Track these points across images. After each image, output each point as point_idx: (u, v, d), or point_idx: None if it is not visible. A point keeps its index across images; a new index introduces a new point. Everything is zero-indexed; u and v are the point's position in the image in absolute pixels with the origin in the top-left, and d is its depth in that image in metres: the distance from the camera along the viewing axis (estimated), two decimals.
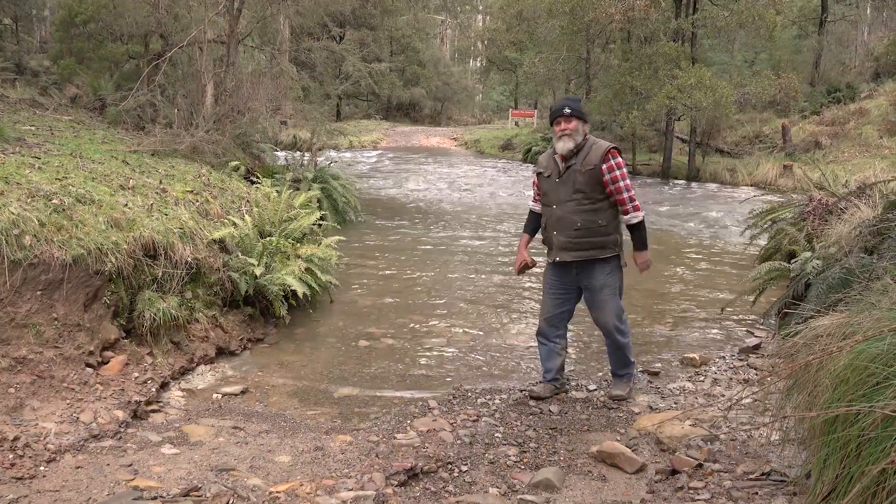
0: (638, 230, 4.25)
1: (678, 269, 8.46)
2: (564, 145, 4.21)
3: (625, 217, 4.22)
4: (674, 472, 3.35)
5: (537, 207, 4.53)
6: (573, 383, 4.71)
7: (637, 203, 4.19)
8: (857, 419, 2.17)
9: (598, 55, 21.19)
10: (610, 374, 4.62)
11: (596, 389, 4.57)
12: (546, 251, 4.44)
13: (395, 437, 3.77)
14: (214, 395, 4.48)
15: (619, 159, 4.18)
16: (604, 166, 4.12)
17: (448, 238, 10.25)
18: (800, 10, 27.01)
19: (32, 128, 7.82)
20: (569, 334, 5.86)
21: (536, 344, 4.61)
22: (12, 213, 3.90)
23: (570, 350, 5.44)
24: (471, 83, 44.10)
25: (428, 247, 9.52)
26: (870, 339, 2.37)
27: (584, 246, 4.19)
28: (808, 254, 5.86)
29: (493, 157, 24.50)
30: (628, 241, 4.33)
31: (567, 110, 4.19)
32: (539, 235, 4.55)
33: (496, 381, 4.82)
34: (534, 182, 4.58)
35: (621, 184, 4.13)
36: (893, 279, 3.38)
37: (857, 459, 2.13)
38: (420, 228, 10.98)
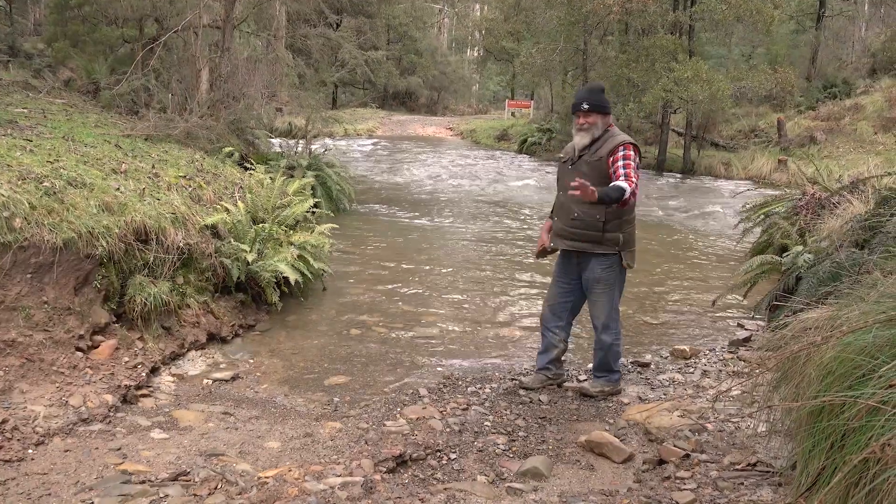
0: (614, 191, 3.82)
1: (670, 262, 8.48)
2: (581, 140, 4.16)
3: (616, 181, 3.92)
4: (661, 462, 3.37)
5: None
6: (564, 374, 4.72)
7: (633, 183, 3.88)
8: (842, 410, 2.18)
9: (596, 47, 21.10)
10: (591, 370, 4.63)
11: (586, 380, 4.58)
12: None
13: (384, 425, 3.78)
14: (205, 381, 4.48)
15: (630, 152, 4.01)
16: (611, 158, 4.04)
17: (442, 227, 10.25)
18: (798, 4, 26.98)
19: (25, 110, 7.76)
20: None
21: (539, 333, 4.59)
22: (2, 196, 3.88)
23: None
24: (468, 73, 43.93)
25: (421, 236, 9.52)
26: (856, 331, 2.38)
27: (579, 237, 4.15)
28: (800, 248, 5.88)
29: (488, 148, 24.47)
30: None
31: (585, 105, 4.10)
32: None
33: (487, 370, 4.83)
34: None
35: (621, 164, 3.94)
36: (883, 273, 3.39)
37: (841, 450, 2.15)
38: (414, 217, 10.97)
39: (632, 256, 4.23)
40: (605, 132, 4.15)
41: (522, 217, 11.55)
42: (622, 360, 4.56)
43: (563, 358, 4.51)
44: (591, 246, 4.14)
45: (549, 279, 7.34)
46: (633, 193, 3.93)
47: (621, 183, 3.88)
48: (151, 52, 9.91)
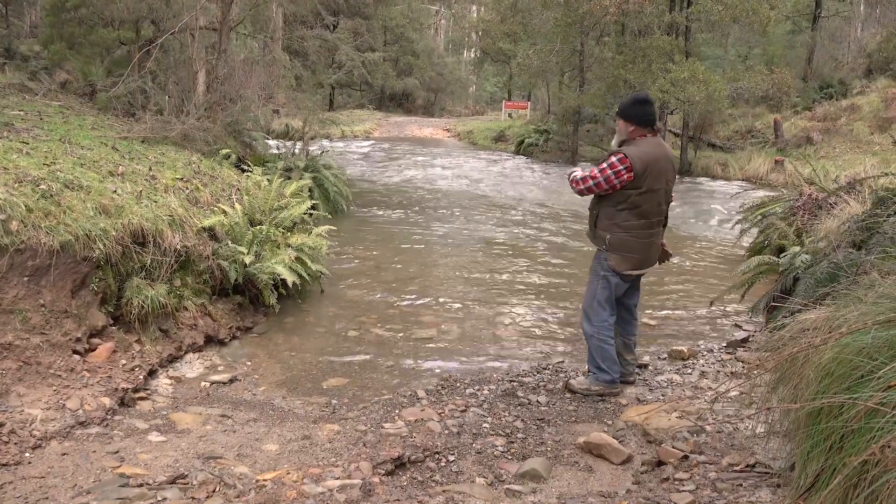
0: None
1: (668, 262, 8.47)
2: (612, 143, 4.44)
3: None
4: (660, 463, 3.37)
5: None
6: (562, 374, 4.72)
7: (589, 185, 4.14)
8: (840, 411, 2.18)
9: (593, 48, 21.10)
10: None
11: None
12: None
13: (383, 427, 3.77)
14: (203, 384, 4.47)
15: (614, 161, 4.06)
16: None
17: (439, 229, 10.24)
18: (793, 5, 27.00)
19: (21, 113, 7.74)
20: (566, 328, 5.87)
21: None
22: None
23: (560, 343, 5.47)
24: (464, 74, 43.91)
25: (419, 237, 9.51)
26: (855, 332, 2.38)
27: (590, 229, 4.41)
28: (797, 248, 5.88)
29: (486, 149, 24.44)
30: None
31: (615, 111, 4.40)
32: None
33: (485, 371, 4.83)
34: None
35: (596, 167, 4.17)
36: (880, 274, 3.39)
37: (839, 451, 2.15)
38: (411, 219, 10.96)
39: (619, 261, 4.21)
40: (632, 140, 4.20)
41: (520, 217, 11.55)
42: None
43: (627, 357, 4.50)
44: (594, 240, 4.37)
45: (546, 280, 7.35)
46: (576, 181, 4.23)
47: (573, 175, 4.29)
48: (148, 55, 9.88)
